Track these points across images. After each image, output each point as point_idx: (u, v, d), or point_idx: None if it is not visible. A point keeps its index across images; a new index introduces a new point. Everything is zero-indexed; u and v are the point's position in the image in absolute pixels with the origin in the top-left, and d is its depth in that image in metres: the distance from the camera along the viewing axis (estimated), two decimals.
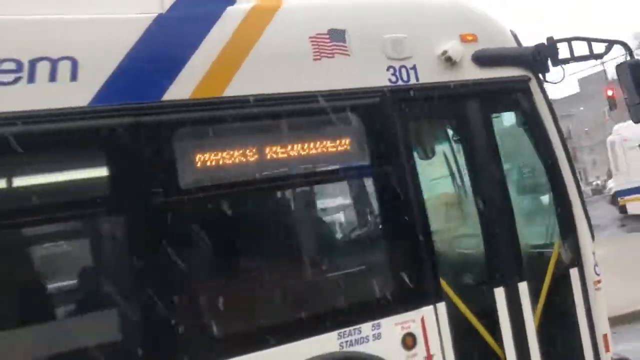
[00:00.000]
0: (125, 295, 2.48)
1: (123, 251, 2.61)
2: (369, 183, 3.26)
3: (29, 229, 2.55)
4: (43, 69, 2.48)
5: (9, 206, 2.40)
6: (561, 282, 3.51)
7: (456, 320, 3.13)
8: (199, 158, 2.75)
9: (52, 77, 2.50)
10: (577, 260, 3.54)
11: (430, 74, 3.29)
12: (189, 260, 2.59)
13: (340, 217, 3.63)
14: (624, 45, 3.64)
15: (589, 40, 3.63)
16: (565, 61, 3.59)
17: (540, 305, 3.41)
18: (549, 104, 3.64)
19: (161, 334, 2.52)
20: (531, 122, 3.58)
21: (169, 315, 2.52)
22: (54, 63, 2.50)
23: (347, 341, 2.84)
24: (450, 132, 3.53)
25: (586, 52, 3.62)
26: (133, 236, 2.59)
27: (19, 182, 2.55)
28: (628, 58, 3.60)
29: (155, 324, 2.51)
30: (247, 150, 2.84)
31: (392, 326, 2.95)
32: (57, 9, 2.64)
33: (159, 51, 2.73)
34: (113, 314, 2.48)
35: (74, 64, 2.54)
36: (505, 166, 3.49)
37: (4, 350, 2.32)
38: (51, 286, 2.65)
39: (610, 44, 3.64)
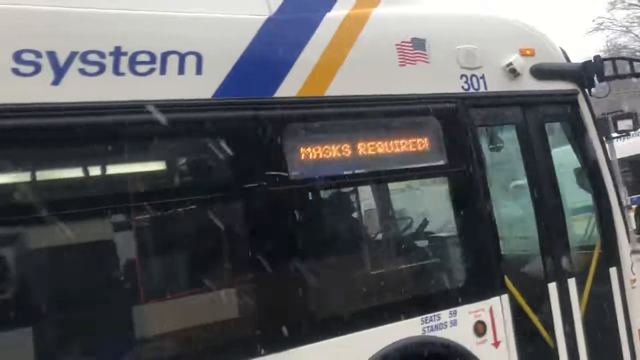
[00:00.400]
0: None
1: (241, 234, 2.79)
2: (443, 182, 3.51)
3: (171, 211, 2.71)
4: (173, 62, 2.65)
5: (153, 188, 2.57)
6: (602, 280, 3.83)
7: (517, 311, 3.41)
8: (303, 151, 2.95)
9: (181, 70, 2.67)
10: (616, 260, 3.87)
11: (496, 83, 3.57)
12: (296, 245, 2.80)
13: (421, 214, 3.86)
14: None
15: (631, 60, 3.99)
16: (610, 78, 3.94)
17: (584, 300, 3.72)
18: (594, 116, 3.97)
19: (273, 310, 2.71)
20: (578, 132, 3.91)
21: (275, 295, 2.72)
22: (182, 57, 2.67)
23: (429, 326, 3.08)
24: (510, 137, 3.81)
25: (628, 70, 3.98)
26: (246, 222, 2.78)
27: (156, 166, 2.71)
28: None
29: (268, 303, 2.71)
30: (343, 147, 3.06)
31: (466, 314, 3.20)
32: (174, 6, 2.81)
33: (270, 51, 2.92)
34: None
35: (199, 58, 2.72)
36: (557, 171, 3.80)
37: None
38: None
39: None
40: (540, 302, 3.55)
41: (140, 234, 2.65)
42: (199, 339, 2.61)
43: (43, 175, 2.49)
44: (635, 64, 3.97)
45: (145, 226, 2.69)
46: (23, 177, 2.38)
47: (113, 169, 2.62)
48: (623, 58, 3.99)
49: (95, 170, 2.64)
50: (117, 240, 2.59)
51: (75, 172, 2.65)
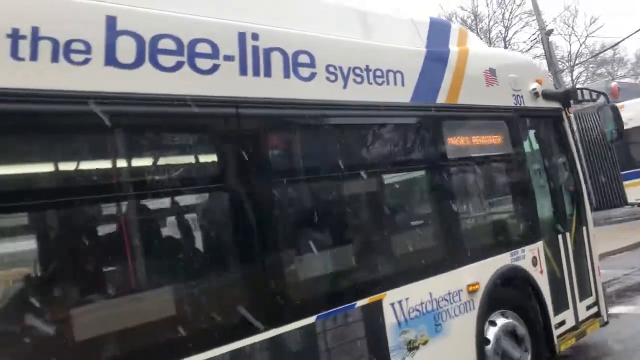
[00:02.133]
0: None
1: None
2: (509, 165, 5.15)
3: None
4: (381, 77, 3.95)
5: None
6: (579, 234, 5.77)
7: (545, 252, 5.18)
8: (451, 141, 4.42)
9: (391, 82, 3.99)
10: (585, 222, 5.85)
11: (527, 101, 5.34)
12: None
13: (503, 189, 5.39)
14: (605, 95, 6.13)
15: (589, 90, 6.06)
16: (580, 101, 5.96)
17: (571, 246, 5.61)
18: (570, 124, 5.95)
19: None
20: (562, 134, 5.82)
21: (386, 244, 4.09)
22: (397, 74, 4.01)
23: (513, 258, 4.72)
24: (535, 137, 5.60)
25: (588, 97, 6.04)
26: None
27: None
28: (607, 103, 6.09)
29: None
30: (464, 138, 4.60)
31: (528, 252, 4.88)
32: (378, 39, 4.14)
33: (431, 73, 4.34)
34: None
35: (402, 76, 4.06)
36: (557, 162, 5.69)
37: None
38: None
39: (599, 93, 6.10)
40: (553, 247, 5.37)
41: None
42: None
43: None
44: (594, 93, 6.03)
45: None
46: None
47: None
48: (586, 88, 6.04)
49: None
50: None
51: None
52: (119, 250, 2.68)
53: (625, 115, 7.56)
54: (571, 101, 5.87)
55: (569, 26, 42.38)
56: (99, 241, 2.71)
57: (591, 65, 41.08)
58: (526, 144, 5.35)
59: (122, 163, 2.72)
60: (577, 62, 38.88)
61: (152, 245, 2.88)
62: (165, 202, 2.90)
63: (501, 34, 38.32)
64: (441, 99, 4.38)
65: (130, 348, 2.53)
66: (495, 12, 40.92)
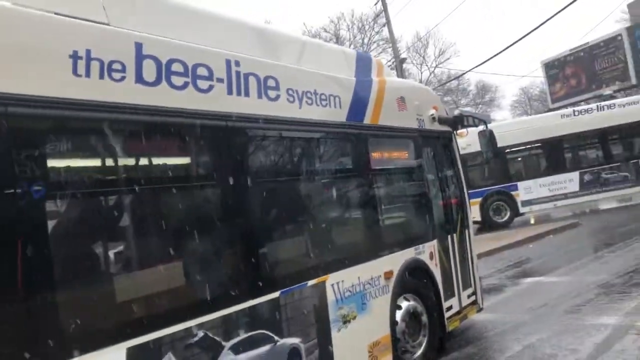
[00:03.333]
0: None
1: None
2: (416, 177, 6.19)
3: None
4: (325, 100, 4.82)
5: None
6: (462, 234, 7.04)
7: (440, 249, 6.33)
8: (373, 155, 5.37)
9: (332, 105, 4.87)
10: (467, 225, 7.15)
11: (427, 124, 6.49)
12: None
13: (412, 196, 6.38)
14: (484, 122, 7.51)
15: (473, 117, 7.40)
16: (466, 126, 7.28)
17: (457, 244, 6.85)
18: (457, 146, 7.23)
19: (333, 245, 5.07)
20: (452, 153, 7.08)
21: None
22: (337, 98, 4.89)
23: (417, 252, 5.79)
24: (431, 154, 6.76)
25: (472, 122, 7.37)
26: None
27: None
28: (485, 128, 7.46)
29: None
30: (380, 153, 5.59)
31: (427, 248, 5.99)
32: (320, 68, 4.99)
33: (359, 98, 5.28)
34: None
35: (340, 100, 4.96)
36: (447, 175, 6.91)
37: None
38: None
39: (480, 120, 7.47)
40: (444, 245, 6.55)
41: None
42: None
43: None
44: (476, 119, 7.38)
45: None
46: None
47: None
48: (470, 115, 7.37)
49: None
50: None
51: None
52: (117, 232, 3.27)
53: (464, 141, 9.12)
54: (459, 125, 7.17)
55: (420, 55, 46.72)
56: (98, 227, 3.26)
57: (439, 93, 45.46)
58: (425, 160, 6.48)
59: (140, 161, 3.31)
60: None
61: (147, 229, 3.46)
62: (166, 195, 3.50)
63: None
64: (367, 120, 5.33)
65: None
66: (355, 37, 43.93)
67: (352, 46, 43.96)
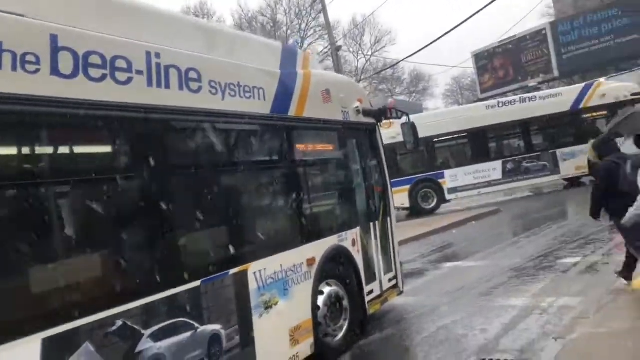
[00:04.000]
0: None
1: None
2: (340, 168, 6.43)
3: None
4: (255, 92, 4.94)
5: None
6: (384, 222, 7.35)
7: (362, 236, 6.60)
8: (298, 146, 5.52)
9: (256, 97, 4.98)
10: (389, 213, 7.46)
11: (352, 116, 6.72)
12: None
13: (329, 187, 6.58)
14: (407, 114, 7.82)
15: (396, 110, 7.69)
16: (389, 118, 7.56)
17: (379, 231, 7.16)
18: (381, 137, 7.51)
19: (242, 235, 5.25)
20: (374, 145, 7.35)
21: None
22: (261, 90, 5.00)
23: (339, 239, 6.02)
24: (356, 145, 6.98)
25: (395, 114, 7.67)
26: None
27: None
28: (407, 120, 7.77)
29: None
30: (305, 144, 5.76)
31: (350, 235, 6.24)
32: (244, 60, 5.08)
33: (284, 90, 5.40)
34: None
35: (264, 92, 5.07)
36: (371, 165, 7.18)
37: None
38: None
39: (403, 112, 7.78)
40: (367, 232, 6.83)
41: None
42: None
43: None
44: (399, 112, 7.69)
45: None
46: None
47: None
48: (394, 108, 7.66)
49: None
50: None
51: None
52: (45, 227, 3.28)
53: (393, 131, 9.48)
54: (382, 117, 7.44)
55: (357, 43, 47.42)
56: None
57: (374, 81, 46.50)
58: (350, 151, 6.72)
59: (58, 154, 3.32)
60: (362, 77, 43.69)
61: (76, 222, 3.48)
62: (85, 187, 3.51)
63: (297, 43, 41.32)
64: (292, 112, 5.48)
65: None
66: (293, 22, 44.03)
67: (289, 31, 43.87)
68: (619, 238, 9.78)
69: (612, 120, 8.82)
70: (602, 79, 21.61)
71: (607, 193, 5.92)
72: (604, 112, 18.74)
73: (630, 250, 6.23)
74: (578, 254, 9.12)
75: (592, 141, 6.82)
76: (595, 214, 6.19)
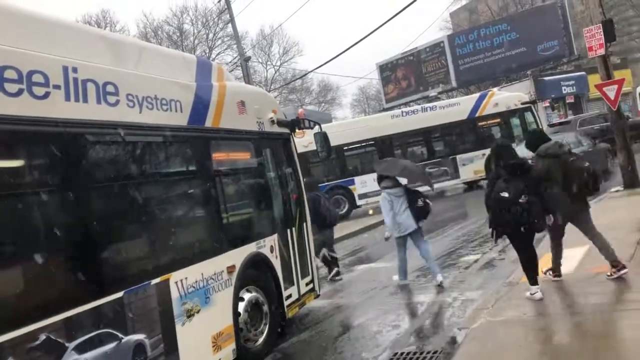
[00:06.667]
0: None
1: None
2: (257, 177, 6.60)
3: None
4: (172, 105, 5.04)
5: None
6: (301, 227, 7.60)
7: (280, 242, 6.81)
8: (215, 157, 5.65)
9: (173, 109, 5.07)
10: (305, 218, 7.72)
11: (267, 127, 6.94)
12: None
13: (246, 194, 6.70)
14: (319, 124, 8.16)
15: (308, 120, 8.01)
16: (302, 128, 7.86)
17: (296, 237, 7.40)
18: (295, 147, 7.78)
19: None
20: (290, 153, 7.61)
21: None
22: (177, 103, 5.10)
23: (258, 246, 6.20)
24: (271, 155, 7.18)
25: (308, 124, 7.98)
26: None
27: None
28: (320, 130, 8.10)
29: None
30: (222, 154, 5.90)
31: (268, 242, 6.43)
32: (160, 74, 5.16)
33: (200, 102, 5.53)
34: None
35: (180, 104, 5.18)
36: (286, 174, 7.42)
37: None
38: None
39: (315, 123, 8.10)
40: (284, 238, 7.05)
41: None
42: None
43: None
44: (312, 122, 8.00)
45: None
46: None
47: None
48: (306, 119, 7.97)
49: None
50: None
51: None
52: None
53: (306, 140, 9.85)
54: (296, 127, 7.72)
55: (265, 53, 47.92)
56: None
57: (284, 91, 47.18)
58: (266, 160, 6.92)
59: None
60: (272, 87, 44.20)
61: None
62: (3, 202, 3.48)
63: (205, 53, 41.23)
64: (208, 123, 5.61)
65: None
66: (200, 32, 43.75)
67: (196, 41, 43.31)
68: None
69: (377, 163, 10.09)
70: (495, 89, 23.39)
71: None
72: (498, 120, 20.27)
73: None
74: (478, 252, 9.87)
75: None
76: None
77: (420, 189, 9.08)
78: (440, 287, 7.75)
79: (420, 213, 8.13)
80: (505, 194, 5.77)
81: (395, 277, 8.46)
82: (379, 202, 8.68)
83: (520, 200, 5.70)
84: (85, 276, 3.85)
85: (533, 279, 6.05)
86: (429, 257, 8.28)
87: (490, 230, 6.08)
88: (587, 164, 6.14)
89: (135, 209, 4.52)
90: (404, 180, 8.60)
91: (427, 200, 8.24)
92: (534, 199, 5.76)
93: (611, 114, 12.46)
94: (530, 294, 6.00)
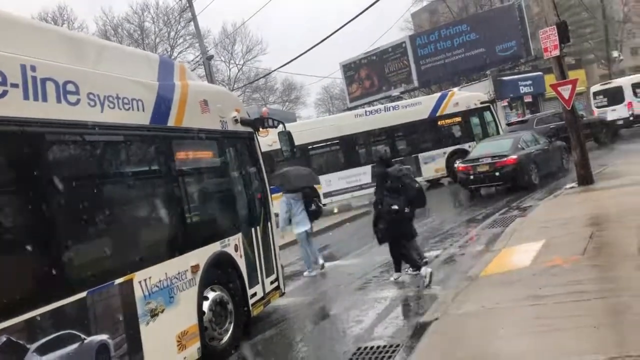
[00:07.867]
0: None
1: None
2: (221, 176, 6.60)
3: None
4: (134, 104, 5.02)
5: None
6: (265, 226, 7.63)
7: (244, 241, 6.84)
8: (178, 156, 5.65)
9: (135, 108, 5.05)
10: (270, 217, 7.76)
11: (230, 126, 6.95)
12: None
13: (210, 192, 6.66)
14: (283, 123, 8.20)
15: (272, 119, 8.04)
16: (266, 127, 7.89)
17: (259, 236, 7.42)
18: (259, 145, 7.80)
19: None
20: (253, 152, 7.64)
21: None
22: (139, 102, 5.08)
23: (222, 245, 6.22)
24: (235, 154, 7.19)
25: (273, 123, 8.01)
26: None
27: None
28: (283, 129, 8.15)
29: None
30: (184, 153, 5.90)
31: (232, 241, 6.45)
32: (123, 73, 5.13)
33: (162, 101, 5.51)
34: None
35: (143, 103, 5.15)
36: (250, 173, 7.44)
37: None
38: None
39: (279, 122, 8.15)
40: (249, 237, 7.07)
41: None
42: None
43: None
44: (275, 121, 8.04)
45: None
46: None
47: None
48: (270, 118, 8.00)
49: None
50: None
51: None
52: None
53: (270, 139, 9.91)
54: (260, 126, 7.75)
55: (228, 52, 47.59)
56: None
57: (247, 90, 46.97)
58: (229, 159, 6.94)
59: None
60: (235, 86, 43.95)
61: None
62: None
63: (167, 52, 40.77)
64: (171, 122, 5.60)
65: None
66: (161, 30, 43.19)
67: (158, 39, 42.70)
68: (474, 232, 11.03)
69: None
70: (455, 89, 23.85)
71: None
72: (458, 119, 20.70)
73: None
74: (439, 247, 10.08)
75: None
76: None
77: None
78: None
79: (313, 215, 10.14)
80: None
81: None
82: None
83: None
84: (47, 276, 3.81)
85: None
86: (315, 250, 10.37)
87: None
88: None
89: (98, 209, 4.48)
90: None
91: (320, 204, 10.50)
92: None
93: (566, 113, 12.84)
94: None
